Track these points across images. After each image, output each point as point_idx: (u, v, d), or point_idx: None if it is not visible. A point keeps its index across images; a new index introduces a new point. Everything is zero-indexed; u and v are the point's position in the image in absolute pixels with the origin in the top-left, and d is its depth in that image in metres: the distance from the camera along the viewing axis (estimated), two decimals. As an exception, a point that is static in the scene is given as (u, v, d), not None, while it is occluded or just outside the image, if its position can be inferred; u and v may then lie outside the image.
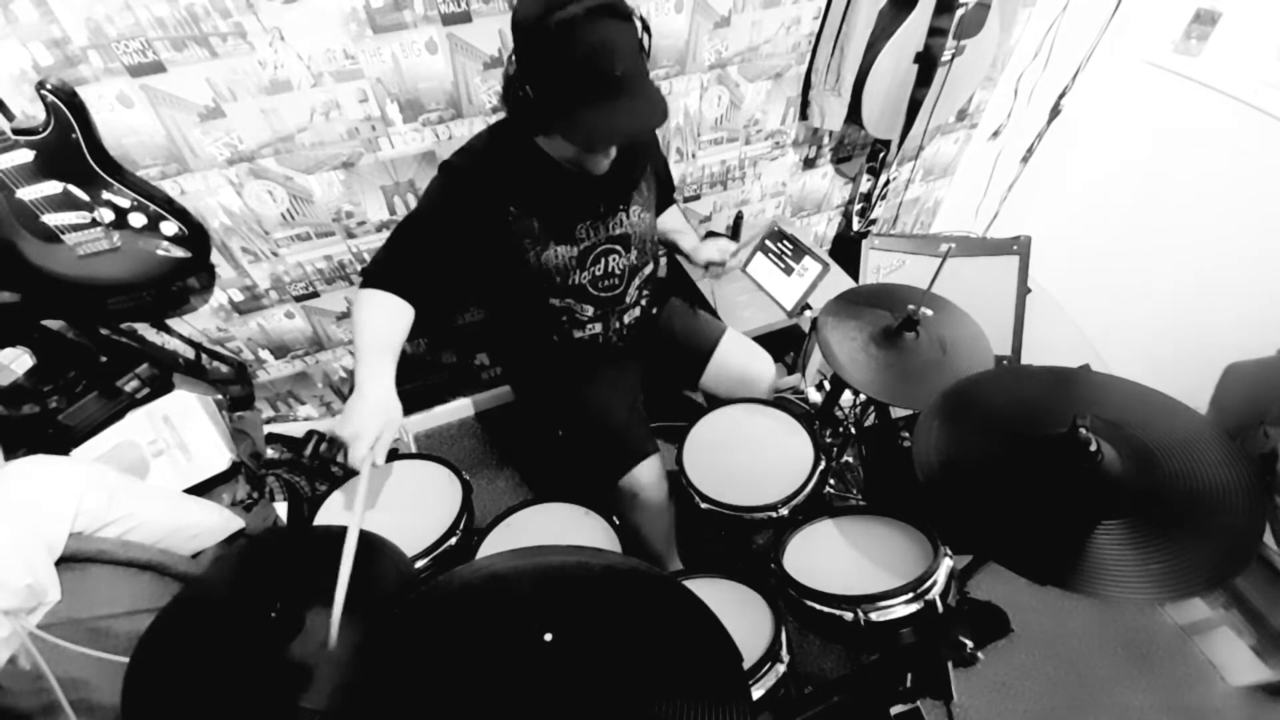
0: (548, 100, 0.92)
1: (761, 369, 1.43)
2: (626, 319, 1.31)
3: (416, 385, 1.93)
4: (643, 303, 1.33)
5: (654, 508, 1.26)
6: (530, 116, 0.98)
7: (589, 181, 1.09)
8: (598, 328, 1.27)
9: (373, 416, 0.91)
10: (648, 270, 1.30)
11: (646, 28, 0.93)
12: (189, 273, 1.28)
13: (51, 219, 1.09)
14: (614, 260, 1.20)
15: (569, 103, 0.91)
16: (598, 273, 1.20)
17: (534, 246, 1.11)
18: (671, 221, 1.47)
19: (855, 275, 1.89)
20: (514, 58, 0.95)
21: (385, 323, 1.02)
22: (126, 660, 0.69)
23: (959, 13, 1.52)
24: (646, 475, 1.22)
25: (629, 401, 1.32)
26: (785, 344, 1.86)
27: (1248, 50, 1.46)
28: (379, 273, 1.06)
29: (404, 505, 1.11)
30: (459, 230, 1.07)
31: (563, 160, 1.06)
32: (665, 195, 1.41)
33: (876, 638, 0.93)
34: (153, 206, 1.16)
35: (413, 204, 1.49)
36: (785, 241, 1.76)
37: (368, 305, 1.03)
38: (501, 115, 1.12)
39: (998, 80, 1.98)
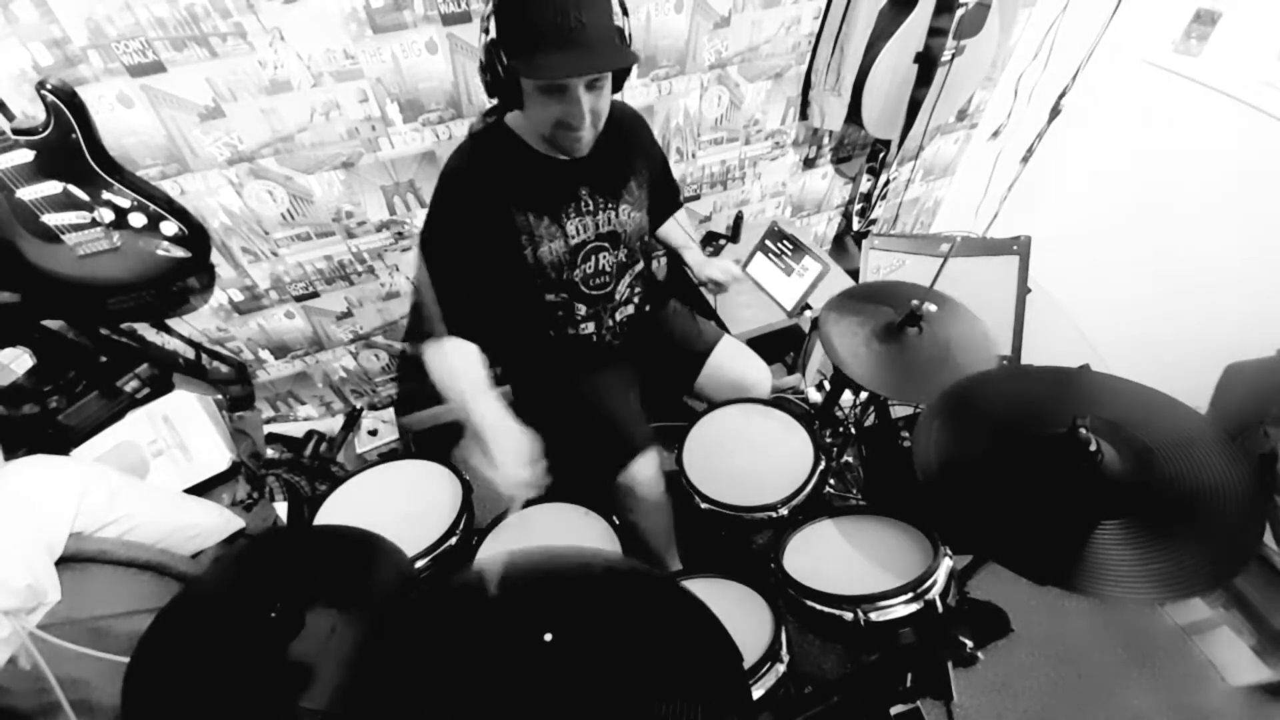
0: (511, 40, 0.93)
1: (758, 376, 1.43)
2: (619, 316, 1.31)
3: (416, 385, 1.93)
4: (635, 300, 1.34)
5: (652, 504, 1.25)
6: (500, 77, 0.97)
7: (572, 169, 1.09)
8: (591, 325, 1.28)
9: (525, 470, 0.95)
10: (638, 268, 1.31)
11: (625, 9, 0.94)
12: (189, 273, 1.28)
13: (51, 219, 1.09)
14: (604, 258, 1.21)
15: (527, 37, 0.91)
16: (588, 270, 1.21)
17: (531, 243, 1.12)
18: (676, 236, 1.47)
19: (855, 276, 1.89)
20: (489, 19, 0.95)
21: (472, 363, 1.06)
22: (126, 660, 0.69)
23: (959, 13, 1.52)
24: (643, 471, 1.22)
25: (625, 398, 1.33)
26: (785, 344, 1.86)
27: (1248, 50, 1.46)
28: (448, 324, 1.09)
29: (404, 505, 1.11)
30: (473, 238, 1.08)
31: (540, 141, 1.07)
32: (666, 200, 1.41)
33: (876, 638, 0.93)
34: (153, 206, 1.16)
35: (413, 204, 1.50)
36: (785, 241, 1.76)
37: (448, 354, 1.07)
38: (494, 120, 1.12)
39: (998, 80, 1.98)
